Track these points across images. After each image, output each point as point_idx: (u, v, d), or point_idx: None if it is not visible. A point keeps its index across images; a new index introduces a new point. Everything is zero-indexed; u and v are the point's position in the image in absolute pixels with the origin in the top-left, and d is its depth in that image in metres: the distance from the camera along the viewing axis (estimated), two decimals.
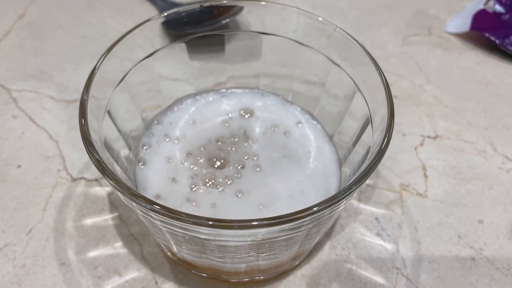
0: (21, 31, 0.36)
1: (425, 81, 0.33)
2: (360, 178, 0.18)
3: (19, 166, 0.28)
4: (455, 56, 0.35)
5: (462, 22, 0.36)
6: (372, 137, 0.21)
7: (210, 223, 0.16)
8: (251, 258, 0.20)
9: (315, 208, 0.17)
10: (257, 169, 0.23)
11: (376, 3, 0.39)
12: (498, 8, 0.36)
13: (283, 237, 0.18)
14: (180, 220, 0.16)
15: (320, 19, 0.23)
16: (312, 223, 0.18)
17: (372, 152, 0.19)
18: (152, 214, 0.17)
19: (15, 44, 0.35)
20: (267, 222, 0.16)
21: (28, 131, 0.29)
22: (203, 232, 0.17)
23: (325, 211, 0.17)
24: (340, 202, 0.17)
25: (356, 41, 0.22)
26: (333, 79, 0.24)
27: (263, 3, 0.25)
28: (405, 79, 0.33)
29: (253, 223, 0.16)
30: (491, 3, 0.37)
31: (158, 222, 0.18)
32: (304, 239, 0.20)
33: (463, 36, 0.36)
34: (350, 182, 0.18)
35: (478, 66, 0.34)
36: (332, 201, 0.17)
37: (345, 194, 0.17)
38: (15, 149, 0.28)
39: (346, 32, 0.23)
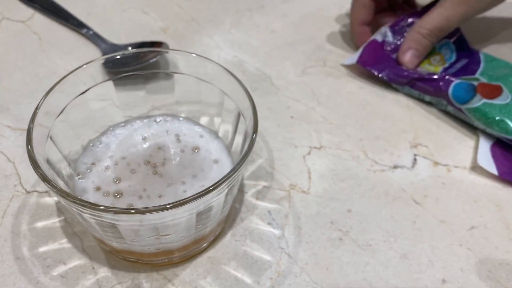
0: None
1: (317, 104, 0.41)
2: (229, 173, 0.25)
3: None
4: (343, 83, 0.43)
5: (353, 55, 0.45)
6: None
7: (118, 209, 0.23)
8: (158, 240, 0.27)
9: (197, 194, 0.24)
10: (171, 179, 0.31)
11: (283, 41, 0.47)
12: (389, 34, 0.44)
13: (177, 220, 0.25)
14: (98, 209, 0.23)
15: (212, 61, 0.31)
16: (199, 207, 0.25)
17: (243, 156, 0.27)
18: (80, 207, 0.24)
19: None
20: (157, 207, 0.23)
21: None
22: (109, 217, 0.24)
23: (207, 195, 0.24)
24: (222, 185, 0.25)
25: (236, 78, 0.30)
26: (226, 106, 0.32)
27: (175, 51, 0.33)
28: (301, 103, 0.41)
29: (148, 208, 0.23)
30: (384, 28, 0.45)
31: (84, 214, 0.25)
32: (198, 223, 0.27)
33: (352, 67, 0.45)
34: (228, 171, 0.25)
35: (360, 90, 0.43)
36: (210, 187, 0.24)
37: (224, 179, 0.25)
38: None
39: (229, 72, 0.30)
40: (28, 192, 0.34)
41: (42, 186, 0.34)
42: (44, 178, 0.24)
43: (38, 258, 0.30)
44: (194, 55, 0.32)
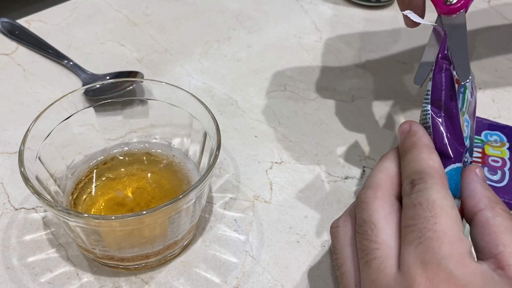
0: None
1: (278, 124, 0.46)
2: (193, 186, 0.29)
3: None
4: (301, 105, 0.48)
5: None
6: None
7: (97, 216, 0.27)
8: (136, 245, 0.31)
9: (169, 202, 0.28)
10: (149, 199, 0.35)
11: (248, 69, 0.52)
12: None
13: (152, 226, 0.29)
14: (82, 217, 0.27)
15: (182, 89, 0.36)
16: (171, 214, 0.29)
17: (208, 168, 0.31)
18: (66, 216, 0.28)
19: None
20: (134, 214, 0.27)
21: None
22: (92, 224, 0.28)
23: (177, 202, 0.28)
24: (190, 194, 0.29)
25: (202, 102, 0.35)
26: (194, 127, 0.36)
27: (149, 80, 0.37)
28: (264, 123, 0.46)
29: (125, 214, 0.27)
30: None
31: (70, 223, 0.29)
32: (171, 230, 0.31)
33: (308, 90, 0.50)
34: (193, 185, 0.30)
35: (316, 111, 0.48)
36: (180, 196, 0.28)
37: (192, 189, 0.29)
38: None
39: (196, 97, 0.35)
40: (16, 209, 0.37)
41: (29, 204, 0.37)
42: (35, 191, 0.28)
43: (27, 267, 0.34)
44: (165, 83, 0.37)
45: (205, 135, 0.35)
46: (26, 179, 0.29)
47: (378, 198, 0.26)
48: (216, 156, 0.31)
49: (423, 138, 0.28)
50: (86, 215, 0.27)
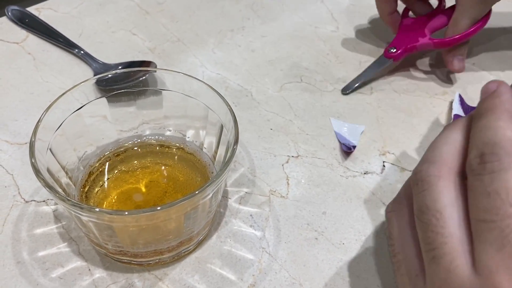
0: None
1: (294, 117, 0.45)
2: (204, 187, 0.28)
3: None
4: (318, 97, 0.47)
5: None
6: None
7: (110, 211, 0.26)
8: (150, 241, 0.30)
9: (184, 198, 0.27)
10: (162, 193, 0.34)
11: (263, 60, 0.51)
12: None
13: (167, 221, 0.28)
14: (95, 212, 0.26)
15: (197, 79, 0.34)
16: (186, 209, 0.28)
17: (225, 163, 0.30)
18: (79, 210, 0.27)
19: None
20: (149, 209, 0.26)
21: None
22: (105, 219, 0.27)
23: (194, 198, 0.27)
24: (206, 189, 0.28)
25: (219, 93, 0.33)
26: (210, 120, 0.35)
27: (163, 70, 0.36)
28: (279, 116, 0.44)
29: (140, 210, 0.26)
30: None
31: (83, 217, 0.27)
32: (186, 225, 0.30)
33: (326, 82, 0.48)
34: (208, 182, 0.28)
35: (334, 103, 0.46)
36: (196, 191, 0.27)
37: (209, 184, 0.28)
38: None
39: (213, 88, 0.34)
40: (26, 202, 0.36)
41: (40, 196, 0.37)
42: (46, 184, 0.27)
43: (37, 262, 0.33)
44: (180, 73, 0.35)
45: (221, 127, 0.34)
46: (37, 171, 0.28)
47: (442, 178, 0.22)
48: (234, 150, 0.30)
49: (508, 103, 0.22)
50: (98, 209, 0.26)
